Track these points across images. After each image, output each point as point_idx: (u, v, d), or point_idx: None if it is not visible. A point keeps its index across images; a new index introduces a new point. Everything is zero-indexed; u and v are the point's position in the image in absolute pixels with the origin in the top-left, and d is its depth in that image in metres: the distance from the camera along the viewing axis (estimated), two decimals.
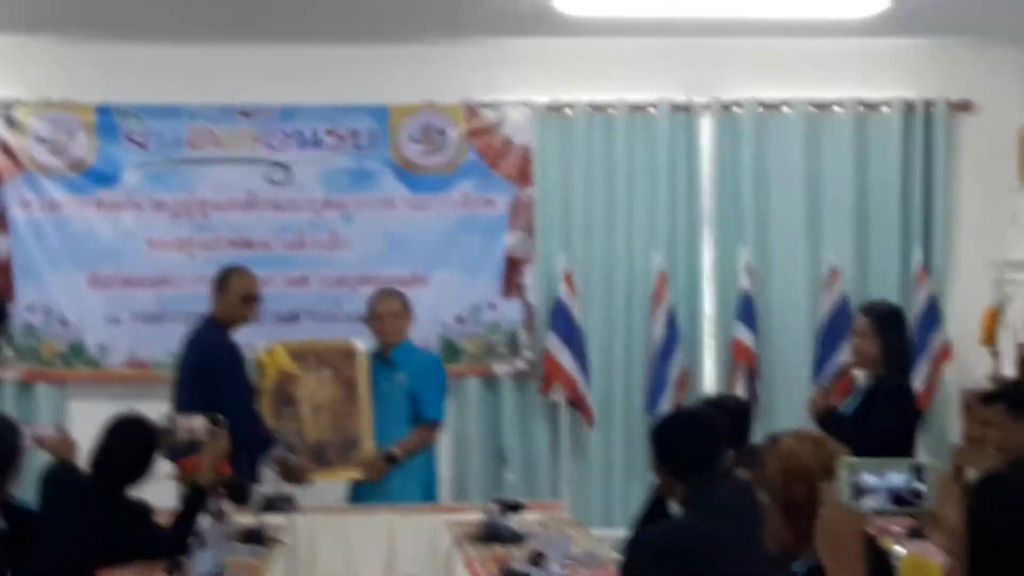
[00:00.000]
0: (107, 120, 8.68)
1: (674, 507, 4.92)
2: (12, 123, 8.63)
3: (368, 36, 8.66)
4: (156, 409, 6.71)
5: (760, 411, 8.50)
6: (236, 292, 7.38)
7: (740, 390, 8.64)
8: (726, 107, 8.96)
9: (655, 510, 5.06)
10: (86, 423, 6.96)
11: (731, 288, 8.90)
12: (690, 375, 8.87)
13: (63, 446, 5.85)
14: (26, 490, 5.74)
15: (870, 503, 2.90)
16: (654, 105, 8.91)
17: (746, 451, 5.22)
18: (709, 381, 9.04)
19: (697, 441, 4.77)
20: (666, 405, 8.55)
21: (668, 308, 8.75)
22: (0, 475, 4.67)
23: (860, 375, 7.10)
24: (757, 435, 6.56)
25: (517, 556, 5.38)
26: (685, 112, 8.96)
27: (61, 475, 5.69)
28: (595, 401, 8.79)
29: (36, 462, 6.07)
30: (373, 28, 8.56)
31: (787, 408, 8.68)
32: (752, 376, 8.75)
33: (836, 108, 8.97)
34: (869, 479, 2.90)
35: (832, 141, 8.99)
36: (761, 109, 8.94)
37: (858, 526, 2.95)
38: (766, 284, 8.98)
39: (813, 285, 8.92)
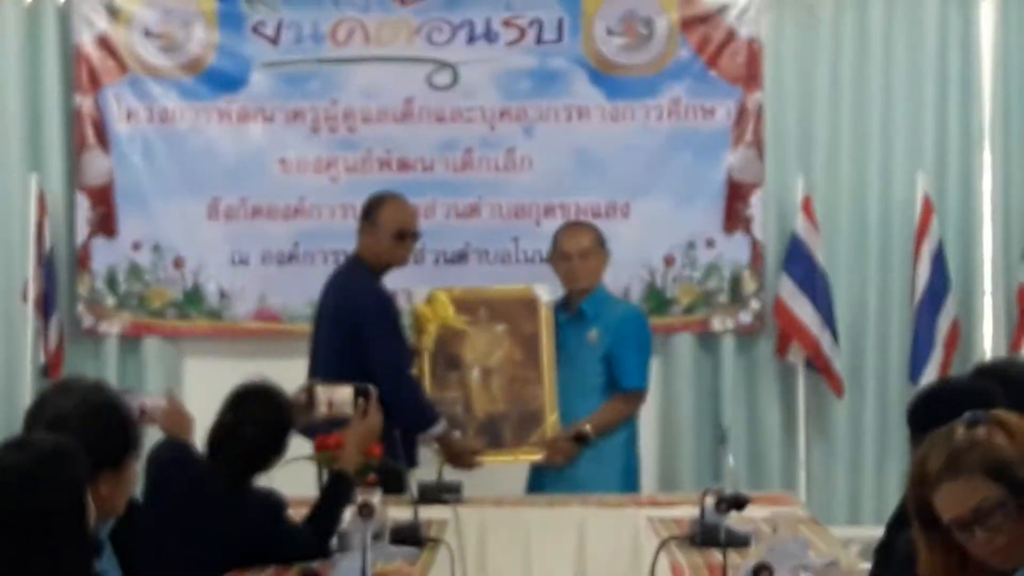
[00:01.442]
0: (231, 9, 8.83)
1: None
2: (114, 13, 8.81)
3: None
4: (289, 371, 6.92)
5: None
6: (388, 227, 7.46)
7: None
8: None
9: None
10: (204, 386, 7.18)
11: (1017, 220, 8.83)
12: (963, 332, 8.78)
13: (175, 421, 5.95)
14: None
15: None
16: None
17: None
18: (988, 340, 8.97)
19: None
20: (933, 370, 8.50)
21: (936, 245, 8.65)
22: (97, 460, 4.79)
23: None
24: None
25: (739, 565, 5.36)
26: None
27: (172, 457, 5.79)
28: (842, 365, 8.75)
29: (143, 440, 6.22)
30: None
31: None
32: None
33: None
34: None
35: None
36: None
37: None
38: None
39: None
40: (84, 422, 4.87)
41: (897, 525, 5.00)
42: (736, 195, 8.83)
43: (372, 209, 7.54)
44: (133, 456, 4.72)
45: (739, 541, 5.73)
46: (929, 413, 4.84)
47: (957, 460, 3.42)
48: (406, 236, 7.52)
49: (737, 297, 8.86)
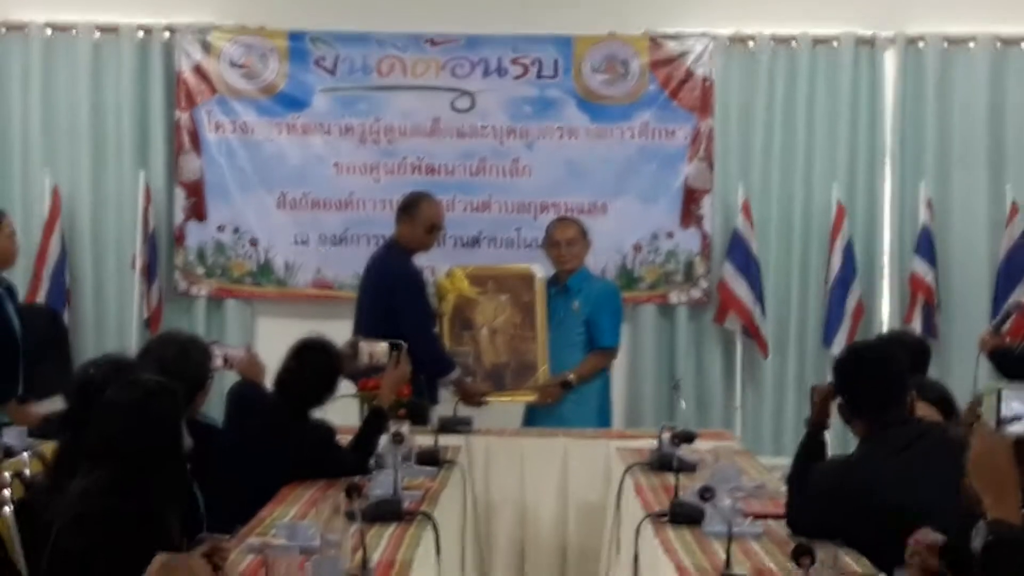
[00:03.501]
0: (299, 46, 8.78)
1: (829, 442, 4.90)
2: (207, 47, 8.76)
3: None
4: (339, 327, 6.89)
5: (938, 346, 8.39)
6: (424, 221, 7.44)
7: (917, 324, 8.51)
8: (911, 41, 8.76)
9: (812, 447, 4.97)
10: (272, 339, 7.15)
11: (910, 222, 8.75)
12: (866, 308, 8.73)
13: (252, 368, 5.95)
14: (212, 407, 5.90)
15: (1017, 429, 2.88)
16: (838, 39, 8.76)
17: (920, 386, 5.08)
18: (886, 315, 8.89)
19: (881, 378, 4.65)
20: (841, 338, 8.48)
21: (846, 241, 8.63)
22: (189, 395, 4.79)
23: None
24: (933, 371, 6.50)
25: (687, 486, 5.34)
26: (869, 46, 8.79)
27: (248, 395, 5.80)
28: (769, 332, 8.70)
29: (224, 380, 6.23)
30: None
31: (965, 343, 8.50)
32: (930, 310, 8.60)
33: (1023, 44, 8.75)
34: (1015, 406, 2.88)
35: (1018, 76, 8.76)
36: (946, 44, 8.74)
37: (1010, 453, 2.91)
38: (946, 219, 8.78)
39: (994, 221, 8.72)
40: (184, 363, 4.96)
41: (798, 458, 4.94)
42: (691, 198, 8.78)
43: (412, 205, 7.51)
44: (209, 383, 5.06)
45: (688, 467, 5.71)
46: (849, 368, 4.80)
47: None
48: (435, 229, 7.52)
49: (690, 277, 8.81)
